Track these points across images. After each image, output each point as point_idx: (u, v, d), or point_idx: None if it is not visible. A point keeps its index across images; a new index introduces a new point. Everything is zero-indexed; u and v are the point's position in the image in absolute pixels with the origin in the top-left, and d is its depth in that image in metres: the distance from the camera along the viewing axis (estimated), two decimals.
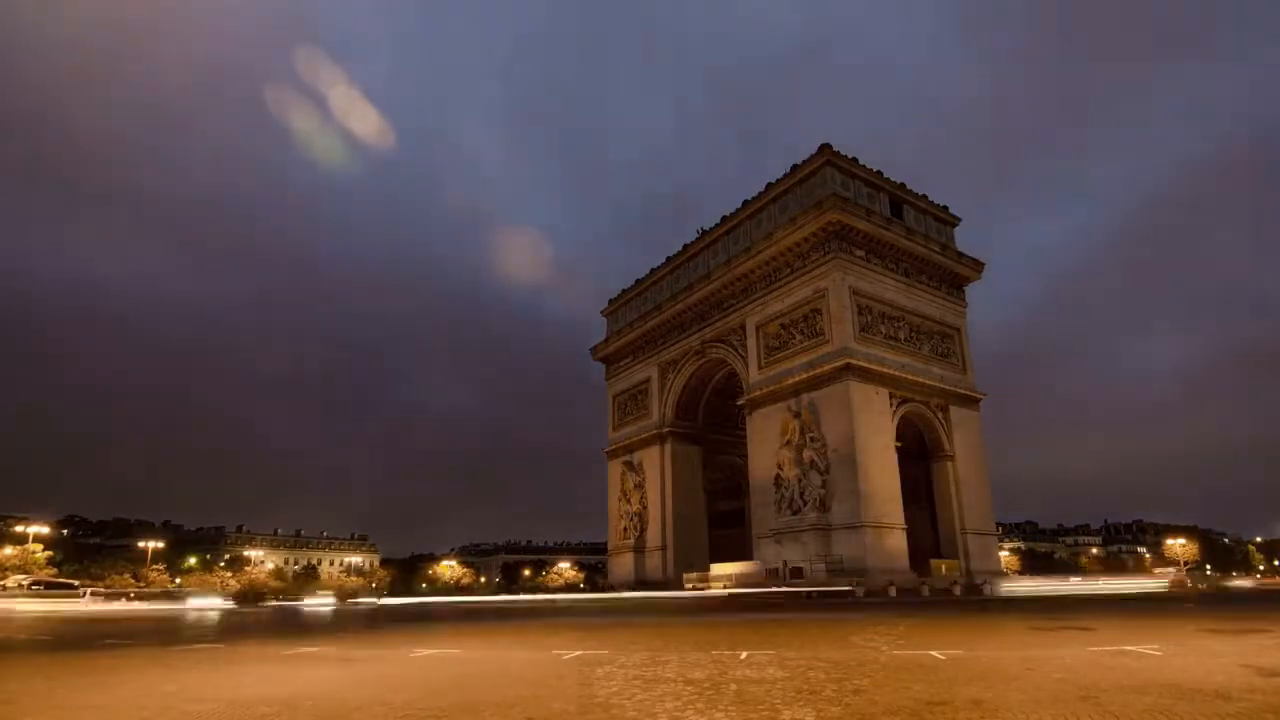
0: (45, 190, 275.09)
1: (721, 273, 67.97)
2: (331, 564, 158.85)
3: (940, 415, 60.09)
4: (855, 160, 61.37)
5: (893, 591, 44.98)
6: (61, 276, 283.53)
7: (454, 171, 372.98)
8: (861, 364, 54.75)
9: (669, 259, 78.67)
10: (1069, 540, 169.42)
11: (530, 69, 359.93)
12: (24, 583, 62.16)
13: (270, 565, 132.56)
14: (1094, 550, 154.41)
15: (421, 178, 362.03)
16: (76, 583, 70.63)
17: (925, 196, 66.18)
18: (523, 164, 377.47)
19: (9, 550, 75.93)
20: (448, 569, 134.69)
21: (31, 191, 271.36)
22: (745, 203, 67.90)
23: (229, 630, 26.70)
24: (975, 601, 40.95)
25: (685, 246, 76.23)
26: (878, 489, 53.04)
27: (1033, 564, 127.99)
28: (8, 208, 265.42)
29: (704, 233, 73.35)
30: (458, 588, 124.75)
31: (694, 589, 55.29)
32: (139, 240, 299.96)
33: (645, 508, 76.21)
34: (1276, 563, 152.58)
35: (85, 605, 50.89)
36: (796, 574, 51.77)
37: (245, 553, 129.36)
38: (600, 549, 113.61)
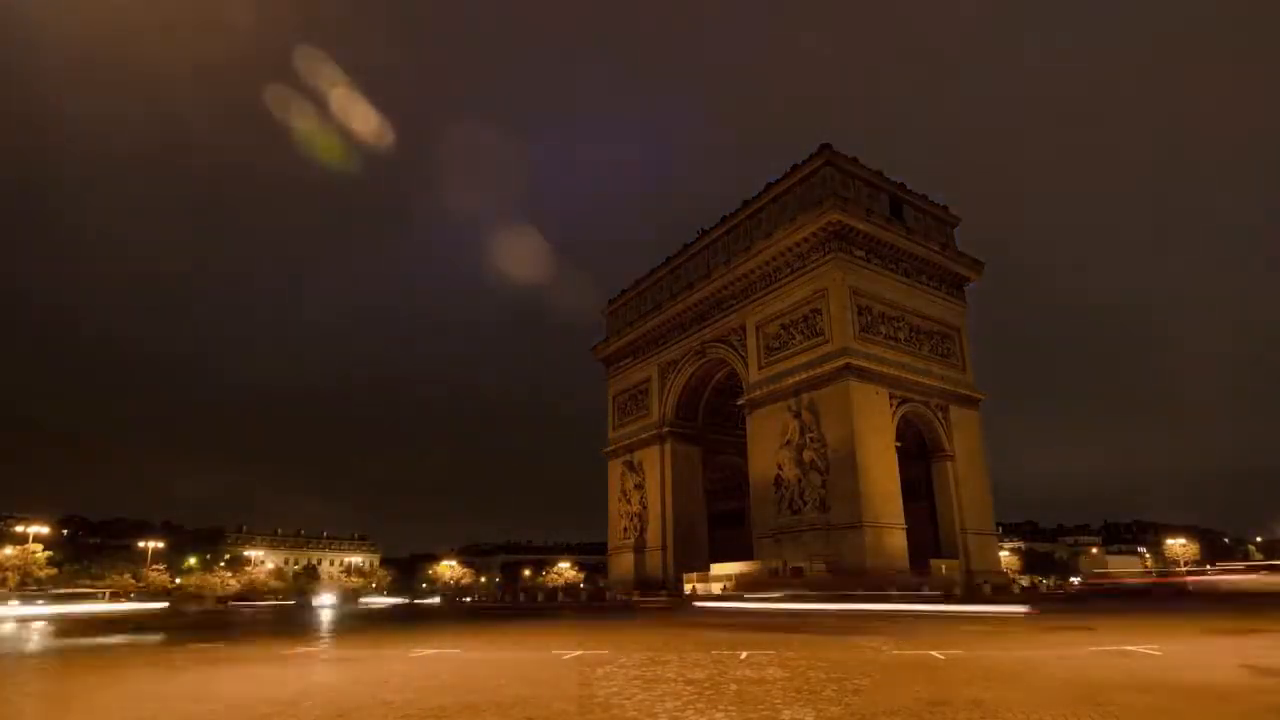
0: None
1: (721, 272, 67.89)
2: (332, 564, 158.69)
3: (940, 415, 60.02)
4: (855, 160, 61.33)
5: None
6: None
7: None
8: (861, 364, 54.70)
9: (669, 259, 78.55)
10: (1069, 540, 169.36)
11: None
12: None
13: (270, 565, 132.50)
14: (1094, 550, 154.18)
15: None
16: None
17: (925, 196, 66.14)
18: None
19: (9, 550, 75.76)
20: (448, 569, 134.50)
21: None
22: (745, 202, 67.83)
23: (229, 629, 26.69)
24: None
25: (685, 246, 76.11)
26: (878, 489, 52.98)
27: (1031, 563, 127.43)
28: None
29: (704, 232, 73.25)
30: (457, 588, 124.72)
31: (693, 589, 55.30)
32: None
33: (645, 508, 76.13)
34: (1276, 561, 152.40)
35: None
36: (796, 574, 51.77)
37: (245, 553, 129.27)
38: (600, 549, 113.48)
